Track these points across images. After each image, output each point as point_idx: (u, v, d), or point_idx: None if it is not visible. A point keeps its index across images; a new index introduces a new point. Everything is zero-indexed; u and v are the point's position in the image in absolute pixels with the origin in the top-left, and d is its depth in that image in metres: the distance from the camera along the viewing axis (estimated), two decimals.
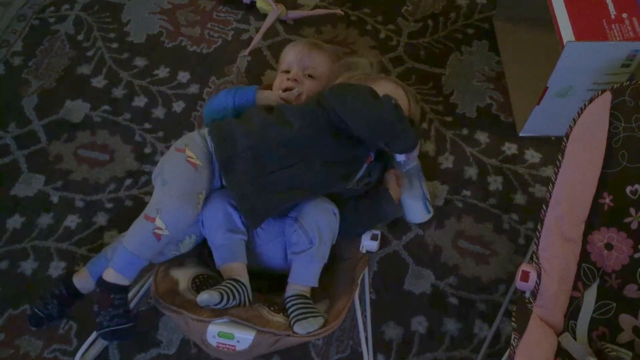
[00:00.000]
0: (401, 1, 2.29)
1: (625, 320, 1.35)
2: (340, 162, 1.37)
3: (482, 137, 1.93)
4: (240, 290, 1.25)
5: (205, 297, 1.18)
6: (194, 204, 1.29)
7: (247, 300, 1.26)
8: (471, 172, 1.86)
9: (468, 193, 1.82)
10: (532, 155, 1.88)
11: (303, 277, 1.30)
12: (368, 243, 1.42)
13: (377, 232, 1.42)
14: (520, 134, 1.92)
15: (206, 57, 2.15)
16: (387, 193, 1.43)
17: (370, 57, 1.69)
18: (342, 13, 2.23)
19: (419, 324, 1.61)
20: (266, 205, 1.32)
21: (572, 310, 1.35)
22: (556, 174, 1.29)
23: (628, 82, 1.30)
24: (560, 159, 1.29)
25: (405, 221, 1.76)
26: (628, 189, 1.31)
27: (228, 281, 1.26)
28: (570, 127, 1.30)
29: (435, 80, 2.07)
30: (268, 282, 1.42)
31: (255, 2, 2.21)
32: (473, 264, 1.69)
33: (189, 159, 1.32)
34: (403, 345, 1.58)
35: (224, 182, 1.38)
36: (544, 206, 1.28)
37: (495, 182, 1.84)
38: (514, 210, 1.78)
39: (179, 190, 1.28)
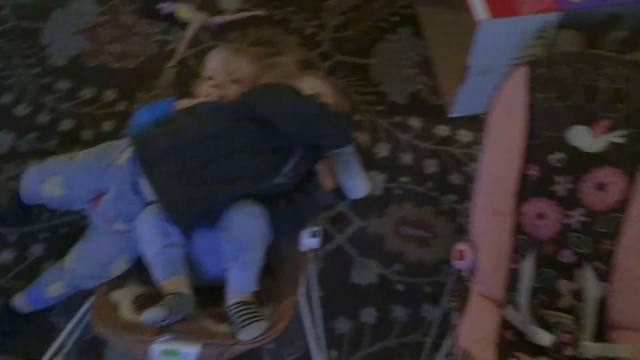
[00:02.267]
0: None
1: (564, 285, 1.38)
2: (264, 154, 1.35)
3: (415, 122, 1.95)
4: (183, 303, 1.23)
5: (149, 315, 1.16)
6: (39, 180, 1.45)
7: (191, 312, 1.24)
8: (407, 158, 1.88)
9: (406, 179, 1.83)
10: (465, 135, 1.91)
11: (240, 284, 1.29)
12: (309, 241, 1.41)
13: (317, 228, 1.42)
14: (451, 115, 1.94)
15: (131, 73, 2.11)
16: (319, 183, 1.42)
17: (295, 55, 1.68)
18: (265, 14, 2.22)
19: (369, 314, 1.62)
20: (187, 199, 1.30)
21: (512, 282, 1.37)
22: (481, 150, 1.31)
23: (543, 54, 1.33)
24: (484, 136, 1.31)
25: (347, 215, 1.77)
26: (552, 157, 1.33)
27: (169, 296, 1.24)
28: (491, 104, 1.32)
29: (364, 71, 2.08)
30: (212, 294, 1.40)
31: (174, 13, 2.19)
32: (417, 249, 1.71)
33: (74, 154, 1.46)
34: (355, 338, 1.58)
35: (144, 189, 1.36)
36: (472, 183, 1.30)
37: (431, 166, 1.86)
38: (452, 191, 1.80)
39: (43, 166, 1.47)
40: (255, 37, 2.18)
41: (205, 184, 1.31)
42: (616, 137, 1.29)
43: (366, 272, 1.68)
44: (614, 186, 1.30)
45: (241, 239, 1.29)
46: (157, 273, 1.30)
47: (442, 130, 1.92)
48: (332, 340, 1.58)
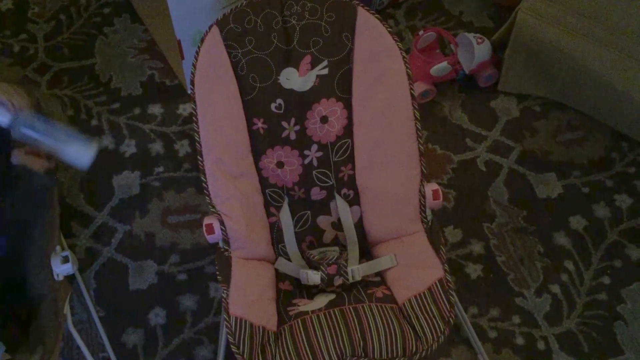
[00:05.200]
0: (24, 6, 2.11)
1: (323, 221, 1.43)
2: None
3: (156, 109, 1.88)
4: None
5: None
6: None
7: None
8: (157, 147, 1.81)
9: (161, 169, 1.77)
10: None
11: None
12: (61, 268, 1.30)
13: (66, 253, 1.32)
14: (189, 91, 1.90)
15: None
16: (28, 169, 1.26)
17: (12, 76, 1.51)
18: None
19: (157, 316, 1.56)
20: None
21: (277, 235, 1.39)
22: (196, 122, 1.28)
23: (229, 10, 1.32)
24: (194, 107, 1.28)
25: (108, 224, 1.68)
26: (273, 106, 1.35)
27: None
28: (193, 74, 1.29)
29: (89, 72, 1.96)
30: None
31: None
32: (189, 234, 1.67)
33: None
34: (148, 344, 1.53)
35: None
36: (198, 157, 1.28)
37: (183, 147, 1.81)
38: None
39: None
40: None
41: None
42: (320, 70, 1.33)
43: (144, 275, 1.61)
44: (334, 115, 1.36)
45: None
46: None
47: (185, 108, 1.88)
48: (126, 355, 1.51)
